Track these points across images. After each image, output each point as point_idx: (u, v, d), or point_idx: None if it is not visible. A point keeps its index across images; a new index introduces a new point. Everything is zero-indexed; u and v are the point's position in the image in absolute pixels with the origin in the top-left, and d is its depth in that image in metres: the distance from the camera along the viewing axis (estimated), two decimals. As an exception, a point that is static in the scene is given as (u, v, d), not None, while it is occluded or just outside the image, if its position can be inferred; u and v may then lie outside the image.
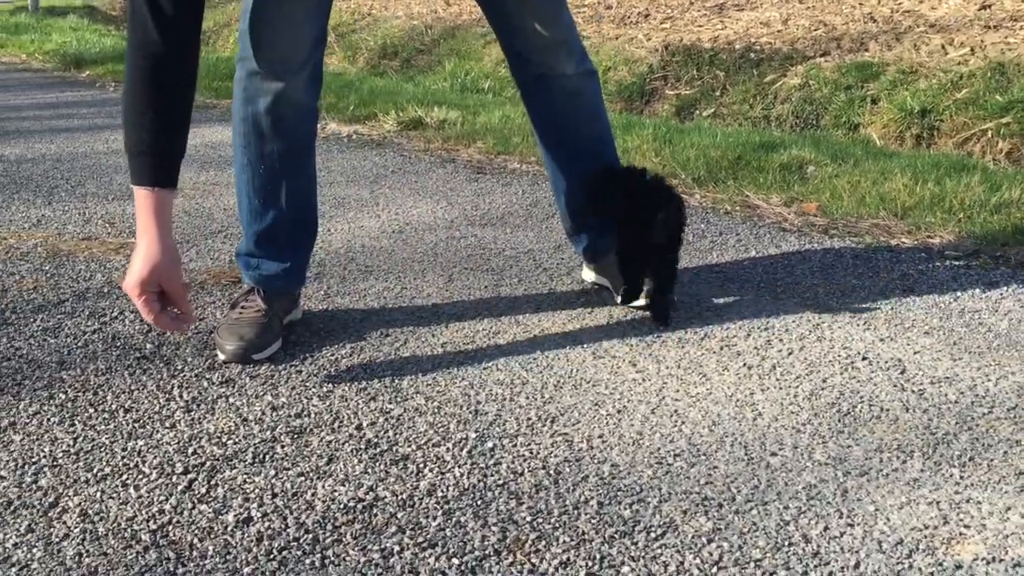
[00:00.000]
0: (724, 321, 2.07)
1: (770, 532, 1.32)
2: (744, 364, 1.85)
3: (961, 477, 1.44)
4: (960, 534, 1.30)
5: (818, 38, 6.09)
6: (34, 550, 1.30)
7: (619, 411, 1.68)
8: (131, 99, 1.69)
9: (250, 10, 1.87)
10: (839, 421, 1.62)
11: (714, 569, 1.24)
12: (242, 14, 1.91)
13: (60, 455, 1.55)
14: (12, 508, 1.40)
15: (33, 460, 1.53)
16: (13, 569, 1.26)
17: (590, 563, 1.26)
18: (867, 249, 2.55)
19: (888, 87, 5.00)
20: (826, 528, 1.32)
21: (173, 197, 1.75)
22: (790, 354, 1.89)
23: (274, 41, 1.89)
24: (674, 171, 3.47)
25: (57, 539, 1.32)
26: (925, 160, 3.59)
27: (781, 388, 1.75)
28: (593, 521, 1.35)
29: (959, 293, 2.19)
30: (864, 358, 1.86)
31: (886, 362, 1.84)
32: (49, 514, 1.38)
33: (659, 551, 1.28)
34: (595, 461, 1.52)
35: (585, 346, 1.96)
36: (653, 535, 1.32)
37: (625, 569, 1.24)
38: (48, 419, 1.67)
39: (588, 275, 2.33)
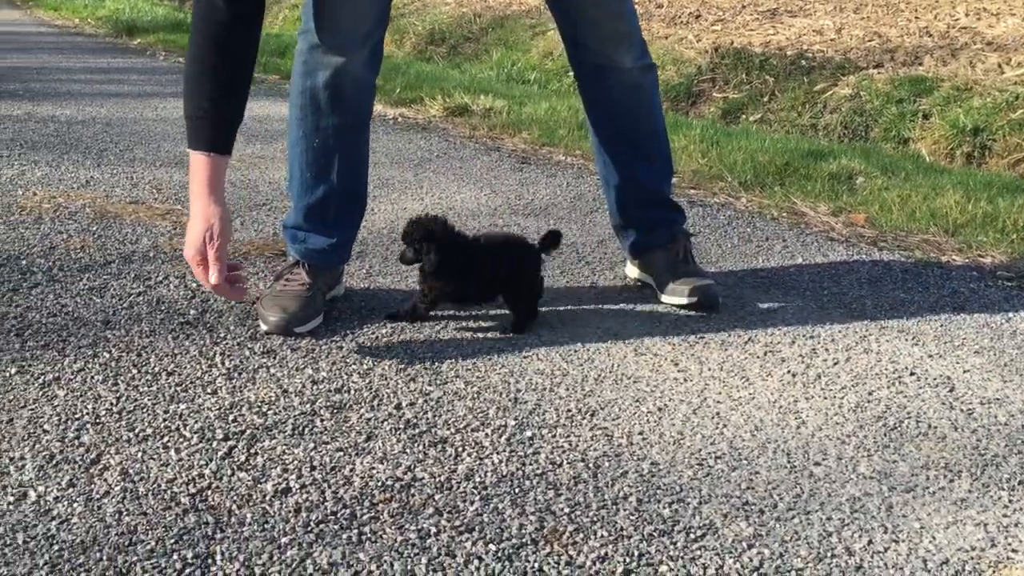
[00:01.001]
0: (768, 326, 2.04)
1: (812, 542, 1.30)
2: (788, 371, 1.83)
3: (1010, 500, 1.41)
4: (1008, 558, 1.27)
5: (871, 49, 6.01)
6: (75, 505, 1.30)
7: (660, 409, 1.67)
8: (193, 66, 1.71)
9: None
10: (885, 435, 1.60)
11: (754, 575, 1.22)
12: None
13: (103, 413, 1.56)
14: (54, 462, 1.41)
15: (76, 416, 1.54)
16: (54, 523, 1.26)
17: (628, 559, 1.24)
18: (916, 264, 2.50)
19: (941, 103, 4.92)
20: (870, 542, 1.30)
21: (227, 163, 1.75)
22: (835, 364, 1.86)
23: (337, 16, 1.88)
24: (721, 173, 3.43)
25: (98, 496, 1.33)
26: (977, 179, 3.53)
27: (826, 398, 1.72)
28: (632, 517, 1.34)
29: (1011, 314, 2.15)
30: (912, 373, 1.83)
31: (934, 379, 1.81)
32: (90, 470, 1.39)
33: (698, 552, 1.26)
34: (635, 458, 1.50)
35: (626, 342, 1.95)
36: (692, 536, 1.30)
37: (663, 568, 1.23)
38: (92, 377, 1.68)
39: (632, 271, 2.31)
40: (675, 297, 2.12)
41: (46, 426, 1.51)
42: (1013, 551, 1.29)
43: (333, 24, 1.90)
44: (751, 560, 1.25)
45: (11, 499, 1.31)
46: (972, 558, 1.27)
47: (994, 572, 1.24)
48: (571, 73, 6.63)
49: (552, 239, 2.01)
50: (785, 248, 2.61)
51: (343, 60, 1.91)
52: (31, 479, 1.36)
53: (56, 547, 1.21)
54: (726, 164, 3.52)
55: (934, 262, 2.54)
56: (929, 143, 4.75)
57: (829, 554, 1.27)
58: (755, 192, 3.25)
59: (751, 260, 2.50)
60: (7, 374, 1.68)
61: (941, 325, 2.08)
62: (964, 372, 1.84)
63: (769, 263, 2.48)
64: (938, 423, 1.64)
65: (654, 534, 1.30)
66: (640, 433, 1.58)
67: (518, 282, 1.99)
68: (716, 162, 3.56)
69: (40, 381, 1.66)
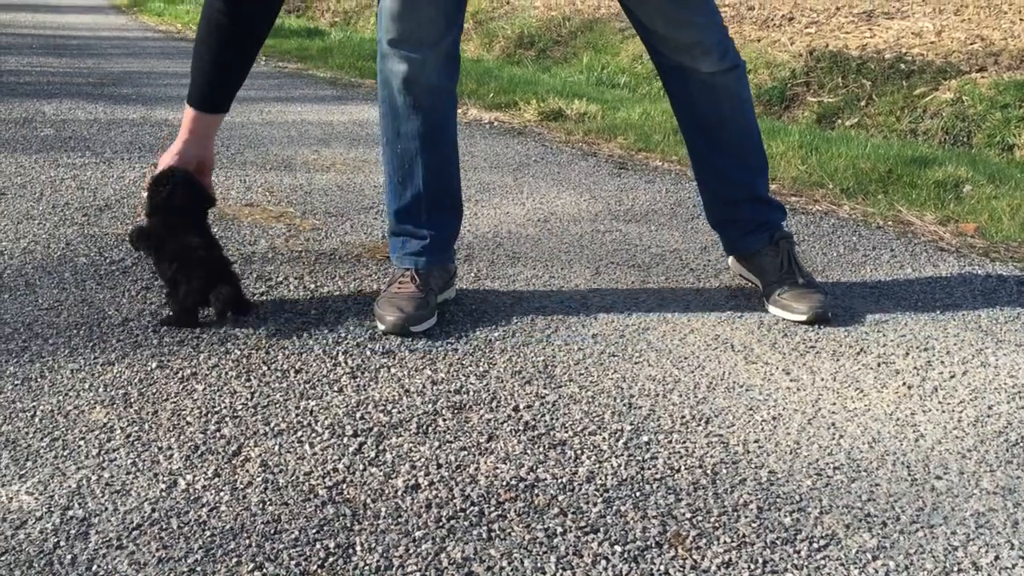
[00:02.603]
0: (880, 337, 2.03)
1: (937, 556, 1.30)
2: (903, 383, 1.82)
3: None
4: None
5: (974, 52, 5.85)
6: (222, 494, 1.38)
7: (774, 418, 1.68)
8: (197, 37, 2.03)
9: None
10: (1007, 451, 1.58)
11: (880, 586, 1.23)
12: None
13: (240, 407, 1.64)
14: (199, 453, 1.49)
15: (215, 410, 1.63)
16: (204, 509, 1.35)
17: (752, 566, 1.27)
18: (1031, 276, 2.45)
19: (1050, 108, 4.76)
20: (997, 558, 1.30)
21: (213, 120, 2.09)
22: (952, 377, 1.85)
23: (408, 21, 1.96)
24: (821, 180, 3.40)
25: (242, 486, 1.41)
26: (1091, 188, 3.42)
27: (944, 411, 1.71)
28: (753, 525, 1.36)
29: None
30: (1033, 389, 1.80)
31: (1056, 395, 1.78)
32: (233, 462, 1.47)
33: (822, 562, 1.28)
34: (752, 466, 1.52)
35: (736, 350, 1.96)
36: (816, 546, 1.31)
37: None
38: (226, 372, 1.78)
39: (733, 266, 2.32)
40: (784, 312, 2.12)
41: (188, 418, 1.60)
42: None
43: (403, 31, 1.97)
44: (876, 572, 1.26)
45: (163, 486, 1.40)
46: (1105, 578, 1.26)
47: None
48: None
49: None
50: (893, 258, 2.58)
51: (415, 66, 1.99)
52: (180, 468, 1.45)
53: (208, 533, 1.29)
54: (827, 171, 3.49)
55: (1050, 274, 2.48)
56: (1037, 150, 4.60)
57: (955, 568, 1.27)
58: (858, 200, 3.22)
59: (858, 270, 2.48)
60: (148, 368, 1.78)
61: (1061, 340, 2.04)
62: (1088, 389, 1.81)
63: (877, 273, 2.46)
64: (1062, 440, 1.62)
65: (777, 542, 1.32)
66: (756, 441, 1.60)
67: None
68: (816, 168, 3.53)
69: (179, 375, 1.76)
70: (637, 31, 2.16)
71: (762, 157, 2.24)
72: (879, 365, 1.90)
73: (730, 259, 2.33)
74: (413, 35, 1.99)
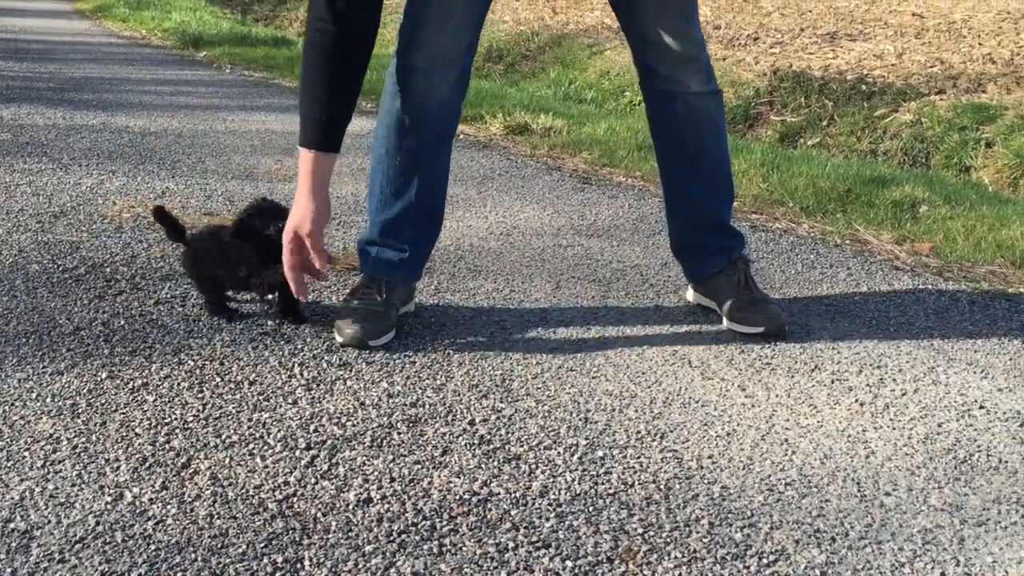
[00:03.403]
0: (835, 355, 2.05)
1: (885, 572, 1.31)
2: (856, 400, 1.84)
3: (1085, 538, 1.41)
4: (1083, 596, 1.28)
5: (934, 75, 5.96)
6: (169, 507, 1.36)
7: (728, 434, 1.69)
8: (304, 71, 1.86)
9: (411, 7, 1.95)
10: (955, 468, 1.60)
11: (828, 602, 1.24)
12: (404, 10, 1.98)
13: (190, 419, 1.62)
14: (147, 465, 1.47)
15: (165, 421, 1.61)
16: (150, 523, 1.32)
17: (702, 581, 1.27)
18: (983, 296, 2.49)
19: (1005, 131, 4.87)
20: (942, 574, 1.31)
21: (332, 160, 1.90)
22: (904, 395, 1.87)
23: (433, 41, 1.96)
24: (782, 198, 3.44)
25: (190, 499, 1.39)
26: (1044, 210, 3.49)
27: (895, 428, 1.73)
28: (704, 540, 1.36)
29: (1082, 350, 2.13)
30: (982, 407, 1.83)
31: (1005, 413, 1.81)
32: (182, 474, 1.45)
33: (771, 577, 1.29)
34: (705, 481, 1.53)
35: (693, 365, 1.97)
36: (765, 561, 1.32)
37: (737, 591, 1.25)
38: (178, 383, 1.75)
39: (692, 296, 2.33)
40: (740, 326, 2.14)
41: (137, 430, 1.58)
42: (1089, 589, 1.29)
43: (428, 49, 1.97)
44: (824, 587, 1.27)
45: (108, 499, 1.37)
46: (1047, 595, 1.28)
47: (1070, 610, 1.25)
48: (627, 93, 6.68)
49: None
50: (850, 276, 2.62)
51: (434, 84, 1.99)
52: (126, 480, 1.42)
53: (153, 547, 1.27)
54: (787, 189, 3.53)
55: (1001, 294, 2.52)
56: (992, 172, 4.70)
57: (902, 585, 1.28)
58: (817, 218, 3.26)
59: (815, 287, 2.51)
60: (98, 378, 1.75)
61: (1010, 359, 2.07)
62: (1035, 407, 1.84)
63: (834, 291, 2.49)
64: (1009, 458, 1.64)
65: (727, 557, 1.32)
66: (710, 457, 1.60)
67: None
68: (777, 187, 3.57)
69: (130, 386, 1.73)
70: (634, 46, 2.17)
71: (731, 186, 2.29)
72: (833, 382, 1.92)
73: (689, 292, 2.34)
74: (438, 53, 1.99)
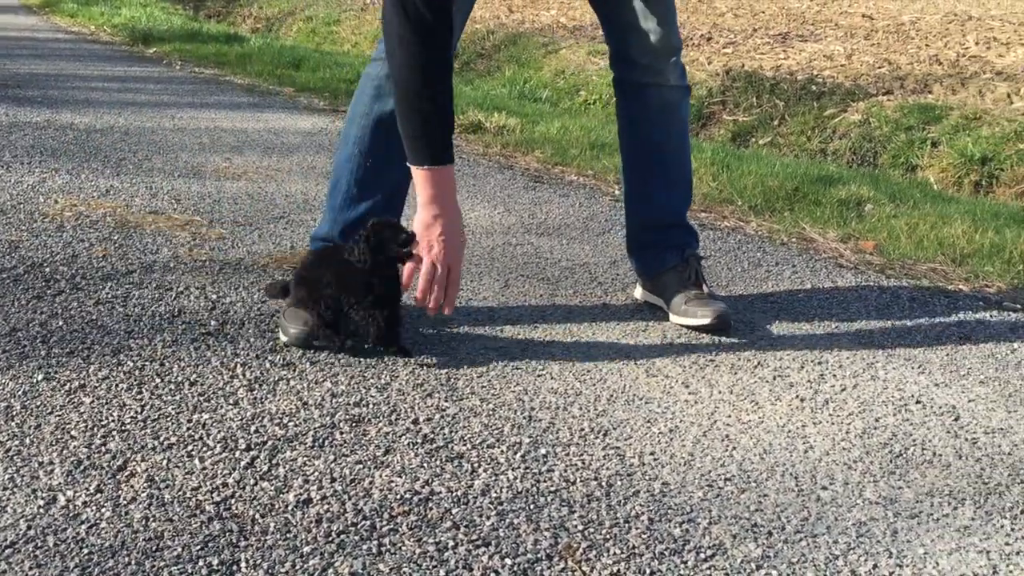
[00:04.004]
0: (778, 351, 2.08)
1: (819, 565, 1.33)
2: (797, 396, 1.87)
3: (1012, 529, 1.45)
4: (1010, 585, 1.31)
5: (881, 76, 6.06)
6: (103, 510, 1.34)
7: (671, 430, 1.70)
8: (413, 81, 1.83)
9: None
10: (891, 462, 1.63)
11: (762, 595, 1.26)
12: None
13: (128, 421, 1.60)
14: (82, 468, 1.45)
15: (102, 423, 1.58)
16: (83, 527, 1.30)
17: (640, 577, 1.28)
18: (924, 293, 2.54)
19: (950, 131, 4.97)
20: (875, 566, 1.33)
21: (452, 172, 1.90)
22: (843, 390, 1.90)
23: None
24: (731, 197, 3.48)
25: (125, 502, 1.37)
26: (984, 208, 3.57)
27: (833, 423, 1.76)
28: (644, 536, 1.37)
29: (1016, 345, 2.19)
30: (918, 402, 1.86)
31: (940, 408, 1.84)
32: (117, 477, 1.43)
33: (708, 572, 1.30)
34: (646, 478, 1.54)
35: (638, 363, 1.98)
36: (703, 555, 1.34)
37: (674, 586, 1.26)
38: (117, 384, 1.73)
39: (640, 293, 2.35)
40: (687, 318, 2.16)
41: (73, 432, 1.55)
42: (1015, 579, 1.32)
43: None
44: (760, 581, 1.29)
45: (41, 503, 1.35)
46: (975, 584, 1.30)
47: (996, 599, 1.28)
48: (581, 92, 6.71)
49: None
50: (795, 274, 2.65)
51: None
52: (60, 484, 1.40)
53: (85, 551, 1.25)
54: (736, 188, 3.57)
55: (941, 291, 2.57)
56: (937, 171, 4.79)
57: (836, 577, 1.30)
58: (765, 216, 3.30)
59: (761, 285, 2.54)
60: (34, 380, 1.72)
61: (947, 354, 2.11)
62: (969, 401, 1.88)
63: (779, 288, 2.52)
64: (943, 451, 1.68)
65: (665, 553, 1.34)
66: (652, 453, 1.62)
67: None
68: (727, 185, 3.61)
69: (66, 388, 1.70)
70: (615, 36, 2.18)
71: (691, 184, 2.33)
72: (775, 378, 1.94)
73: (637, 290, 2.36)
74: None
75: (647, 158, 2.25)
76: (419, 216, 1.90)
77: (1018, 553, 1.38)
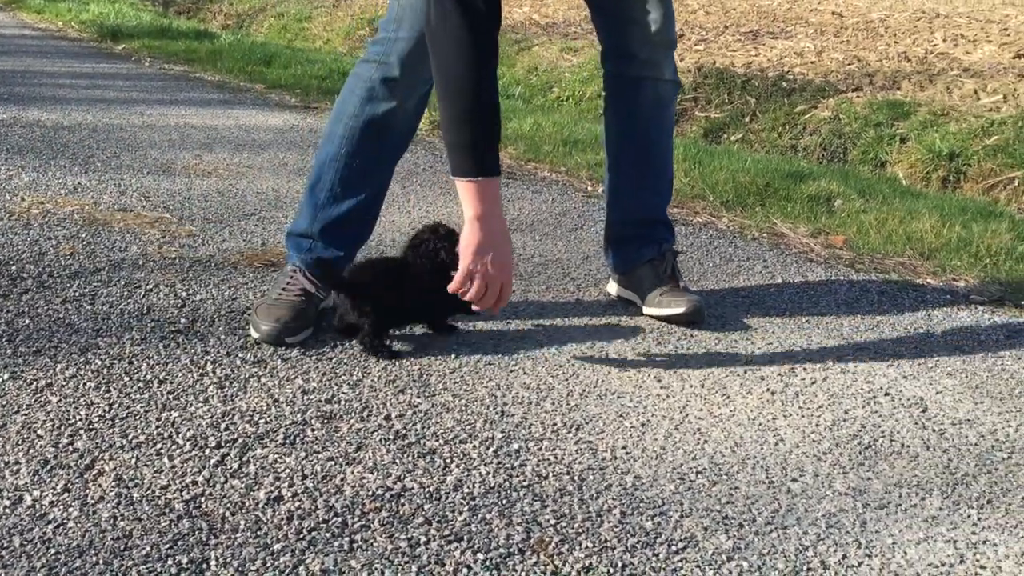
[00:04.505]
0: (749, 345, 2.09)
1: (789, 556, 1.34)
2: (767, 389, 1.88)
3: (979, 519, 1.47)
4: (976, 574, 1.32)
5: (851, 73, 6.12)
6: (70, 510, 1.33)
7: (643, 424, 1.71)
8: (453, 96, 1.71)
9: (396, 21, 1.96)
10: (860, 453, 1.65)
11: (733, 586, 1.26)
12: (385, 21, 1.99)
13: (96, 419, 1.58)
14: (49, 467, 1.43)
15: (70, 422, 1.56)
16: (50, 527, 1.29)
17: (612, 570, 1.28)
18: (892, 286, 2.57)
19: (918, 127, 5.02)
20: (844, 556, 1.35)
21: (498, 185, 1.77)
22: (813, 383, 1.92)
23: (414, 54, 1.94)
24: (703, 193, 3.49)
25: (93, 501, 1.35)
26: (952, 203, 3.61)
27: (803, 416, 1.77)
28: (616, 530, 1.38)
29: (983, 337, 2.21)
30: (887, 394, 1.88)
31: (908, 399, 1.87)
32: (85, 476, 1.41)
33: (680, 564, 1.31)
34: (618, 471, 1.54)
35: (611, 357, 1.99)
36: (674, 548, 1.34)
37: (646, 579, 1.27)
38: (84, 383, 1.71)
39: (614, 288, 2.36)
40: (660, 309, 2.17)
41: (40, 431, 1.53)
42: (981, 567, 1.34)
43: (413, 66, 1.96)
44: (730, 572, 1.29)
45: (7, 503, 1.33)
46: (942, 573, 1.32)
47: (963, 587, 1.29)
48: (554, 89, 6.71)
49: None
50: (766, 268, 2.67)
51: (407, 99, 2.02)
52: (27, 484, 1.38)
53: (52, 551, 1.24)
54: (708, 184, 3.59)
55: (909, 285, 2.60)
56: (906, 167, 4.84)
57: (805, 567, 1.31)
58: (736, 212, 3.31)
59: (732, 279, 2.56)
60: (0, 379, 1.70)
61: (915, 347, 2.14)
62: (937, 393, 1.90)
63: (750, 283, 2.53)
64: (911, 443, 1.70)
65: (637, 546, 1.34)
66: (624, 447, 1.62)
67: None
68: (699, 181, 3.62)
69: (33, 387, 1.68)
70: (612, 29, 2.17)
71: (672, 180, 2.34)
72: (746, 372, 1.95)
73: (611, 285, 2.37)
74: (421, 78, 1.98)
75: (640, 153, 2.24)
76: (470, 235, 1.75)
77: (984, 542, 1.40)
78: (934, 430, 1.75)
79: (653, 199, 2.29)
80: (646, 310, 2.21)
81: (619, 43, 2.18)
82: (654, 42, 2.14)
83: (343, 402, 1.71)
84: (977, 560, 1.36)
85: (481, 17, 1.69)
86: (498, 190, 1.77)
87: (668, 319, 2.17)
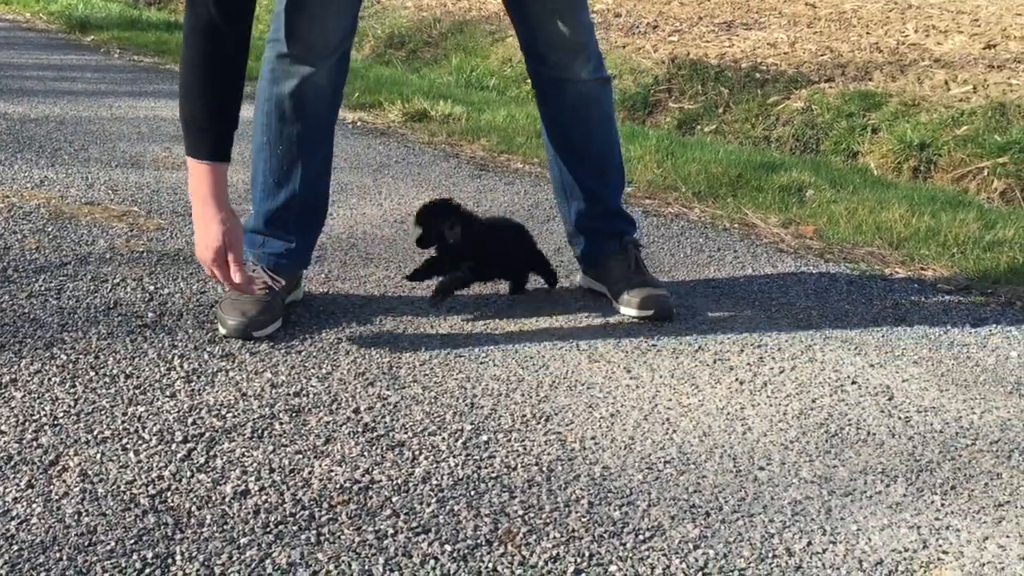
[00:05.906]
0: (718, 335, 2.10)
1: (755, 543, 1.35)
2: (736, 379, 1.89)
3: (942, 504, 1.48)
4: (939, 559, 1.34)
5: (824, 63, 6.15)
6: (34, 506, 1.31)
7: (612, 415, 1.72)
8: (189, 76, 1.73)
9: None
10: (826, 441, 1.66)
11: (699, 575, 1.27)
12: None
13: (61, 415, 1.57)
14: (12, 464, 1.41)
15: (34, 418, 1.55)
16: (13, 523, 1.27)
17: (579, 560, 1.29)
18: (861, 276, 2.59)
19: (889, 118, 5.06)
20: (809, 543, 1.36)
21: (227, 169, 1.80)
22: (781, 372, 1.93)
23: (309, 27, 1.91)
24: (675, 184, 3.50)
25: (57, 497, 1.34)
26: (922, 193, 3.64)
27: (771, 405, 1.79)
28: (583, 520, 1.38)
29: (949, 326, 2.24)
30: (853, 382, 1.90)
31: (874, 388, 1.88)
32: (49, 472, 1.40)
33: (646, 553, 1.31)
34: (587, 462, 1.55)
35: (581, 348, 1.99)
36: (641, 537, 1.35)
37: (613, 568, 1.27)
38: (49, 378, 1.69)
39: (584, 281, 2.36)
40: (630, 308, 2.17)
41: (3, 427, 1.51)
42: (944, 552, 1.36)
43: (303, 35, 1.93)
44: (696, 560, 1.30)
45: (-32, 500, 1.32)
46: (905, 559, 1.34)
47: (925, 572, 1.31)
48: (530, 81, 6.71)
49: None
50: (736, 259, 2.68)
51: (311, 71, 1.95)
52: (-11, 480, 1.37)
53: (15, 547, 1.22)
54: (680, 175, 3.60)
55: (878, 274, 2.62)
56: (877, 157, 4.88)
57: (770, 555, 1.33)
58: (708, 203, 3.33)
59: (703, 270, 2.57)
60: (-38, 375, 1.68)
61: (883, 336, 2.16)
62: (903, 381, 1.92)
63: (720, 273, 2.55)
64: (877, 430, 1.71)
65: (604, 535, 1.35)
66: (592, 438, 1.63)
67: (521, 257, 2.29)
68: (671, 172, 3.63)
69: (-4, 382, 1.66)
70: (521, 33, 2.16)
71: (622, 171, 2.32)
72: (715, 362, 1.97)
73: (580, 276, 2.37)
74: (319, 42, 1.95)
75: (569, 149, 2.23)
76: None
77: (947, 528, 1.42)
78: (900, 418, 1.77)
79: (598, 193, 2.27)
80: (616, 307, 2.21)
81: (527, 43, 2.16)
82: (562, 47, 2.12)
83: (312, 395, 1.71)
84: (940, 545, 1.37)
85: (215, 22, 1.70)
86: (222, 175, 1.79)
87: (638, 319, 2.17)
